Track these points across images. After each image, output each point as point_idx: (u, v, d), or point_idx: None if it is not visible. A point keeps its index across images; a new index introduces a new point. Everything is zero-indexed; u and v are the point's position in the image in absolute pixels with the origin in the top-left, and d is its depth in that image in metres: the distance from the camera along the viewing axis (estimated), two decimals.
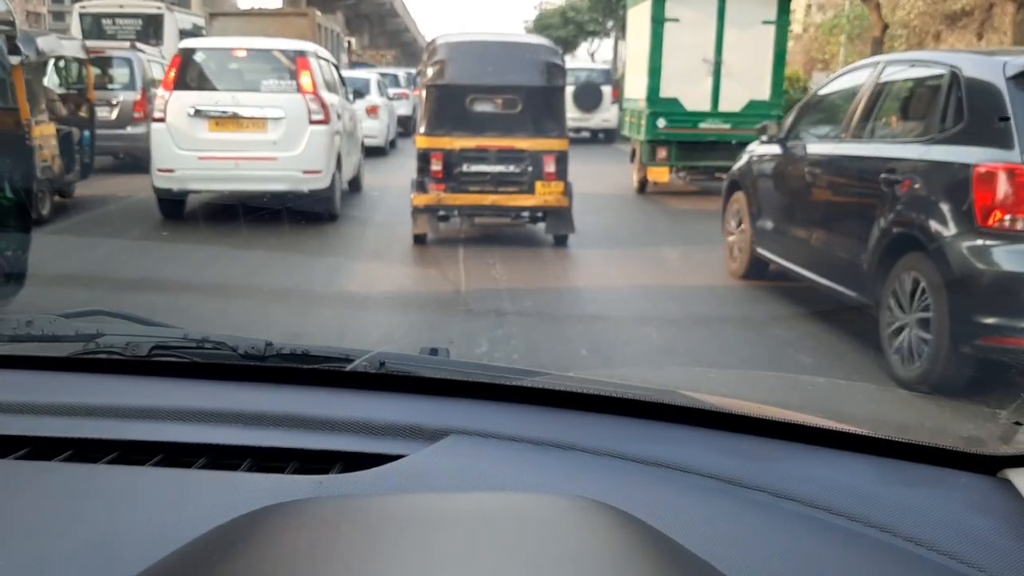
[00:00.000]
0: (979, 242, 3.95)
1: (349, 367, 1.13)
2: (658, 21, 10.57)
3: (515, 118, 7.33)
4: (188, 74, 8.65)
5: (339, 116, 9.22)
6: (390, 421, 1.01)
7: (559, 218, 7.49)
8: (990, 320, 3.88)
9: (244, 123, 8.44)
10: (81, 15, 16.78)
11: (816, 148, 5.64)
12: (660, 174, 10.74)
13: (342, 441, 0.98)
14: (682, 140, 10.62)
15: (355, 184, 11.05)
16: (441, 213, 7.53)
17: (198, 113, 8.40)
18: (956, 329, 4.00)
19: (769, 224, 6.04)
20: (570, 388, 1.11)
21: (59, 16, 52.83)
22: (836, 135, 5.47)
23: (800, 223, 5.61)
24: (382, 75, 18.27)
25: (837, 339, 4.97)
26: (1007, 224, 3.89)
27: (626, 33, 13.54)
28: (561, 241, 7.65)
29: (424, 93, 7.58)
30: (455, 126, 7.31)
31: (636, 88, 11.46)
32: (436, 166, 7.30)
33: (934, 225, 4.18)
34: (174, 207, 8.85)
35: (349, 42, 29.92)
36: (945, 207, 4.15)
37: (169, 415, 1.03)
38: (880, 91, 5.17)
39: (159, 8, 17.71)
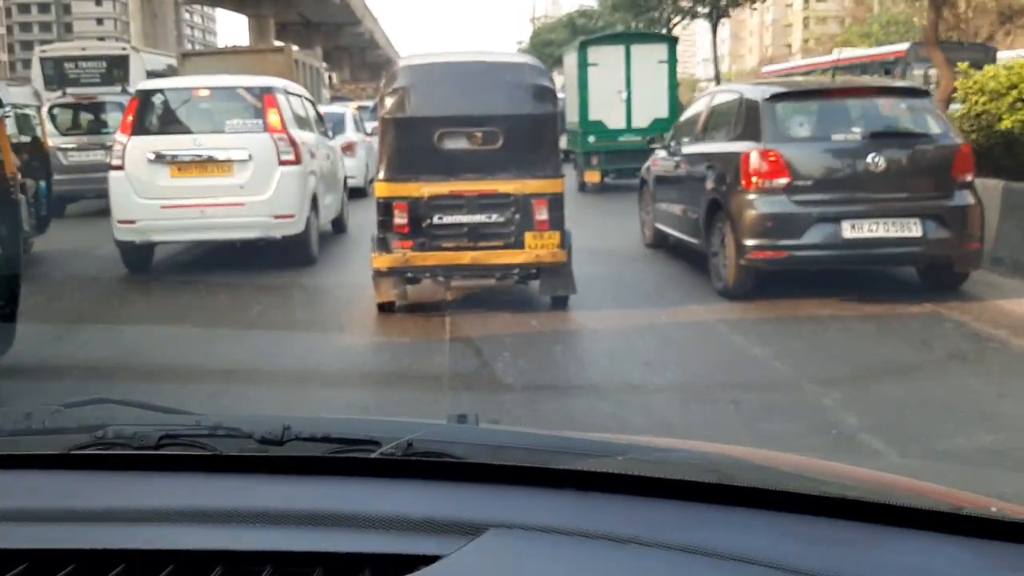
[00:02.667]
0: (745, 196, 6.58)
1: (375, 453, 1.07)
2: (583, 65, 14.93)
3: (496, 155, 6.16)
4: (147, 117, 8.24)
5: (313, 154, 8.79)
6: (422, 515, 0.96)
7: (556, 276, 6.32)
8: (753, 242, 6.50)
9: (208, 167, 8.01)
10: (42, 60, 16.45)
11: (681, 150, 8.26)
12: (593, 176, 14.79)
13: (371, 541, 0.93)
14: (607, 150, 14.58)
15: (339, 225, 10.63)
16: (409, 275, 6.37)
17: (159, 158, 7.96)
18: (738, 251, 6.57)
19: (661, 206, 8.78)
20: (617, 471, 1.05)
21: (28, 64, 52.67)
22: (690, 140, 8.15)
23: (673, 201, 8.36)
24: (359, 109, 17.47)
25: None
26: (759, 184, 6.52)
27: (564, 72, 18.01)
28: (560, 303, 6.48)
29: (382, 128, 6.34)
30: (422, 168, 6.14)
31: (573, 113, 15.48)
32: (400, 219, 6.12)
33: (726, 190, 6.85)
34: (140, 260, 8.40)
35: (330, 76, 29.73)
36: (731, 179, 6.78)
37: (181, 517, 0.99)
38: (711, 110, 7.98)
39: (124, 49, 17.46)
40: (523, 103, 6.20)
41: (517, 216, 6.13)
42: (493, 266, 6.23)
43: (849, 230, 6.34)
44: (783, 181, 6.48)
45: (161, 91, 8.58)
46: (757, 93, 7.04)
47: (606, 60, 14.87)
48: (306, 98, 9.93)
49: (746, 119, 6.93)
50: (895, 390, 4.66)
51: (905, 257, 6.65)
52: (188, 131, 8.19)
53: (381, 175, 6.29)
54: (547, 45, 38.73)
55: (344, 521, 0.96)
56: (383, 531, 0.94)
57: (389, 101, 6.20)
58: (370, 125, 14.85)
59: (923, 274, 6.97)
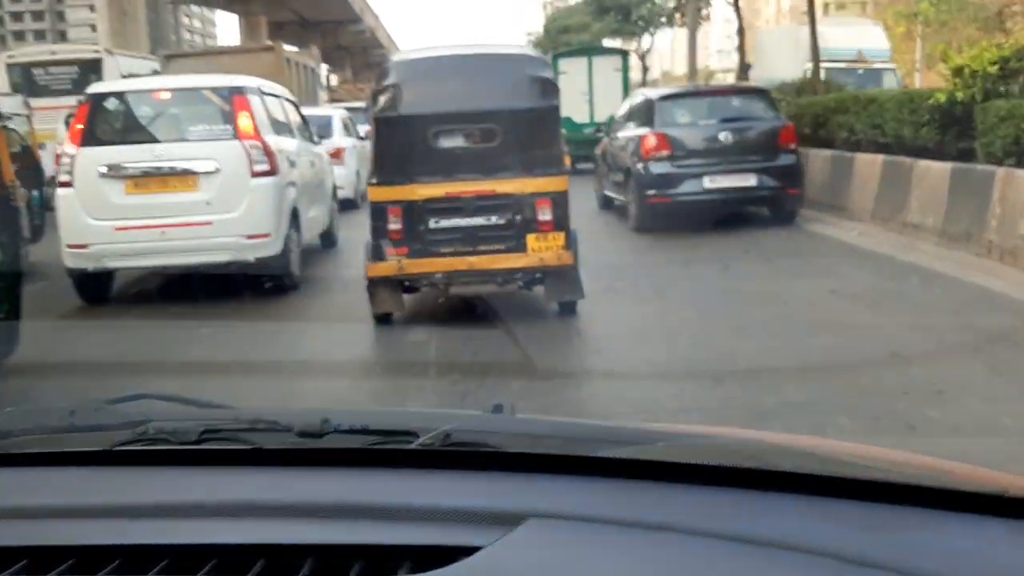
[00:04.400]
0: (644, 163, 9.99)
1: (414, 444, 1.09)
2: (555, 73, 22.63)
3: (495, 153, 5.93)
4: (98, 125, 7.21)
5: (293, 163, 7.78)
6: (461, 506, 0.98)
7: (562, 280, 6.04)
8: (649, 192, 9.85)
9: (169, 181, 6.99)
10: (9, 66, 15.51)
11: (615, 135, 11.59)
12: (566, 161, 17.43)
13: (410, 533, 0.95)
14: (575, 140, 15.74)
15: (328, 238, 9.65)
16: (407, 284, 6.11)
17: (112, 172, 6.95)
18: (640, 199, 9.97)
19: (604, 177, 12.12)
20: (655, 458, 1.07)
21: None
22: (620, 129, 11.54)
23: (610, 172, 11.63)
24: (350, 111, 16.07)
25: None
26: (652, 155, 9.86)
27: None
28: (568, 309, 6.20)
29: (374, 128, 6.17)
30: (417, 169, 5.91)
31: None
32: (395, 223, 5.88)
33: (634, 160, 10.18)
34: (96, 289, 7.39)
35: (328, 77, 28.74)
36: (636, 153, 10.14)
37: (222, 511, 1.01)
38: (631, 107, 11.78)
39: (97, 52, 16.55)
40: (521, 97, 5.95)
41: (518, 217, 5.92)
42: (494, 271, 6.00)
43: (708, 182, 9.82)
44: (666, 153, 9.96)
45: (115, 94, 7.55)
46: (654, 95, 11.27)
47: (573, 69, 19.25)
48: (287, 99, 8.91)
49: (646, 112, 10.64)
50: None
51: (745, 199, 10.17)
52: (146, 140, 7.17)
53: (373, 178, 6.05)
54: (564, 32, 34.10)
55: (384, 513, 0.98)
56: (423, 522, 0.96)
57: (381, 99, 5.93)
58: (363, 129, 13.74)
59: (770, 211, 10.38)
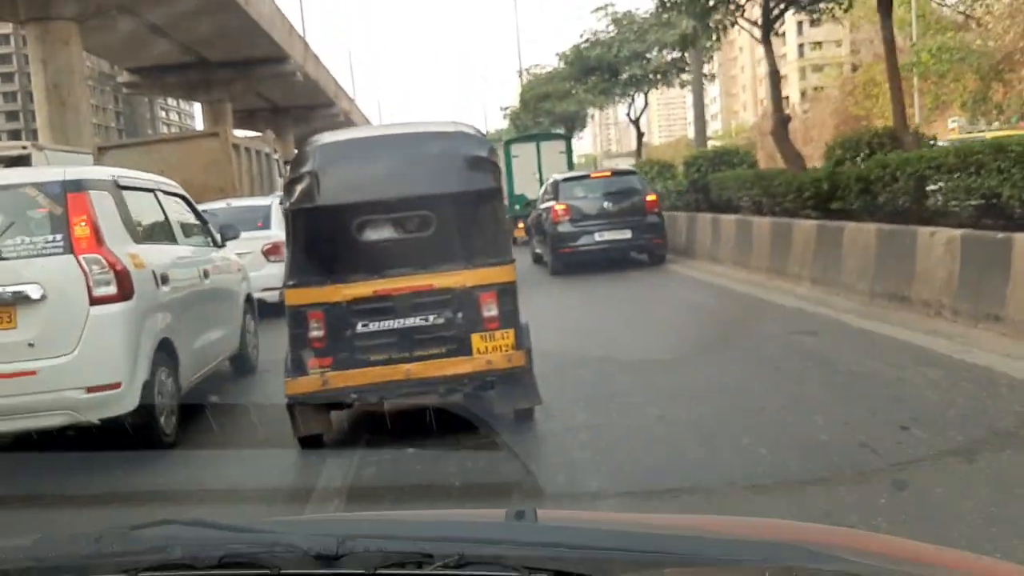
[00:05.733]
0: (554, 226, 14.32)
1: (428, 569, 1.13)
2: (508, 156, 22.82)
3: (430, 243, 5.37)
4: None
5: (165, 279, 5.84)
6: None
7: (515, 384, 5.41)
8: (559, 245, 14.29)
9: None
10: None
11: (539, 207, 16.27)
12: (520, 232, 20.05)
13: None
14: (526, 214, 19.40)
15: (243, 363, 7.73)
16: (333, 400, 5.36)
17: None
18: (553, 251, 14.45)
19: (534, 238, 16.80)
20: None
21: None
22: (540, 202, 16.36)
23: (537, 234, 16.19)
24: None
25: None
26: (558, 220, 14.28)
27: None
28: (524, 416, 5.55)
29: (289, 223, 5.39)
30: (340, 267, 5.31)
31: (504, 189, 21.14)
32: (316, 330, 5.19)
33: (547, 224, 14.75)
34: None
35: (286, 163, 27.04)
36: (549, 219, 14.71)
37: None
38: (546, 186, 16.70)
39: (24, 148, 15.24)
40: (458, 178, 5.39)
41: (460, 315, 5.34)
42: (435, 379, 5.36)
43: (598, 236, 13.95)
44: (568, 217, 14.10)
45: None
46: (559, 177, 15.63)
47: (524, 152, 23.32)
48: (170, 192, 7.01)
49: (554, 190, 14.96)
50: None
51: (624, 247, 14.18)
52: None
53: (290, 279, 5.34)
54: (543, 100, 32.23)
55: None
56: None
57: (296, 189, 5.25)
58: None
59: (648, 257, 14.42)
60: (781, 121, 14.30)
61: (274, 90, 44.34)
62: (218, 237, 7.75)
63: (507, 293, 5.38)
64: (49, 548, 1.29)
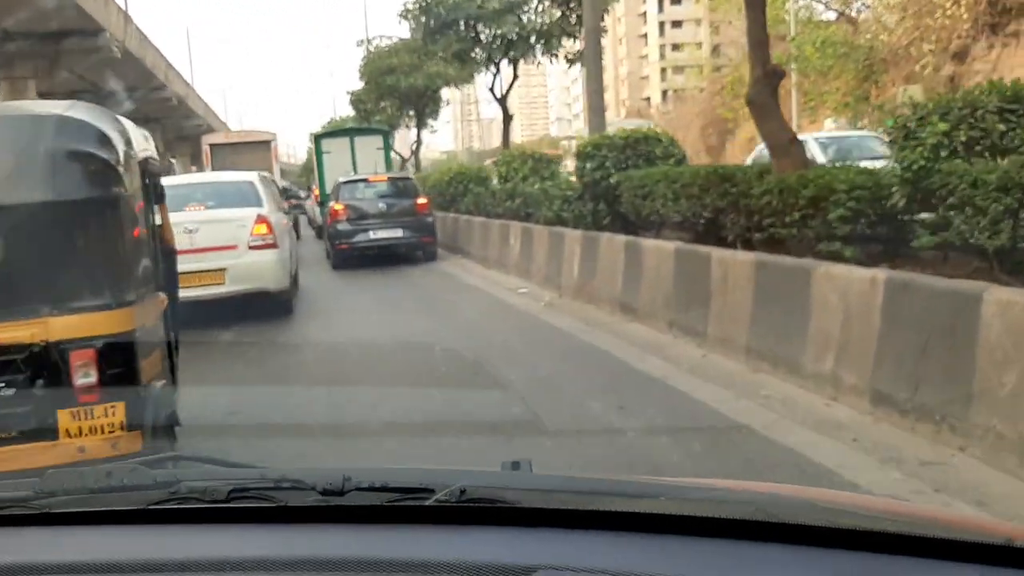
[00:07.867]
0: (334, 223, 15.99)
1: (430, 500, 1.17)
2: (319, 153, 22.82)
3: None
4: None
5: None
6: (476, 560, 1.05)
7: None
8: (337, 242, 15.93)
9: None
10: None
11: (327, 206, 17.67)
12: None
13: None
14: None
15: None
16: None
17: None
18: (333, 246, 16.17)
19: (325, 235, 17.76)
20: (663, 511, 1.15)
21: None
22: (327, 202, 17.84)
23: (326, 231, 17.60)
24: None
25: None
26: (337, 218, 15.93)
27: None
28: None
29: None
30: None
31: (316, 186, 23.58)
32: None
33: (328, 220, 16.67)
34: None
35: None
36: (329, 216, 16.64)
37: (251, 567, 1.08)
38: (331, 187, 18.43)
39: None
40: (40, 185, 4.05)
41: (40, 383, 4.05)
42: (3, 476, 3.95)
43: (373, 234, 15.56)
44: (345, 216, 15.73)
45: None
46: (342, 179, 17.35)
47: (336, 148, 22.01)
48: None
49: (336, 191, 16.63)
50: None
51: (397, 245, 15.70)
52: None
53: None
54: (388, 73, 28.94)
55: (402, 568, 1.05)
56: None
57: None
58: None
59: (422, 253, 15.98)
60: (770, 75, 8.44)
61: (93, 70, 39.92)
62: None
63: (118, 351, 4.16)
64: (57, 482, 1.30)
